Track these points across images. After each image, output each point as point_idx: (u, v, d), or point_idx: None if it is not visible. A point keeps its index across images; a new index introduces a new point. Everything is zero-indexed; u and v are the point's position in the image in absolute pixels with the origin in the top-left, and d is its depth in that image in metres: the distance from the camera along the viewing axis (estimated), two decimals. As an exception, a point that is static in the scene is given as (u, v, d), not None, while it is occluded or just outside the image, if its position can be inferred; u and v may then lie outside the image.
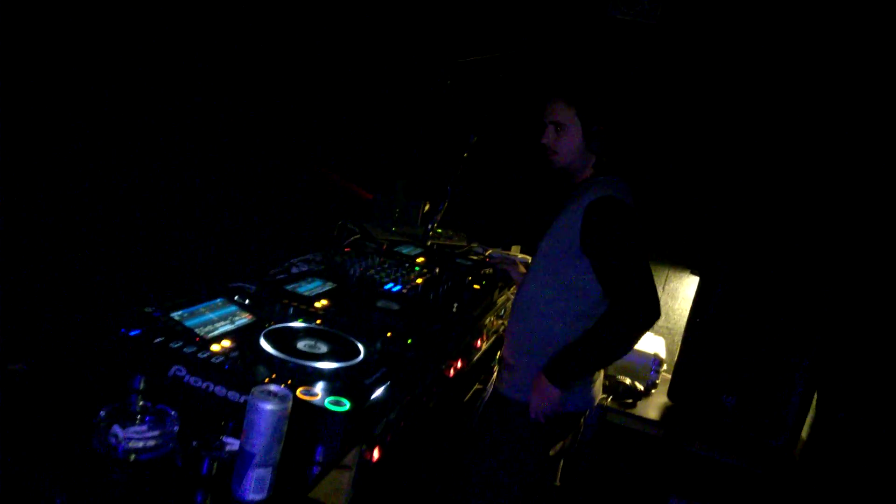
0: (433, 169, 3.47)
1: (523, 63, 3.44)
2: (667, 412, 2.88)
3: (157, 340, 1.40)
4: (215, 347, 1.43)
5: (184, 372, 1.36)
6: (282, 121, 2.46)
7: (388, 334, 1.74)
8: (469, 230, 3.50)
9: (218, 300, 1.67)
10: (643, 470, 2.84)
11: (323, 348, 1.53)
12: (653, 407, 2.90)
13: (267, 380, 1.33)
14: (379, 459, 1.51)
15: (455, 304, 2.12)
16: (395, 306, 1.98)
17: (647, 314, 1.71)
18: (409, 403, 1.65)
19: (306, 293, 1.93)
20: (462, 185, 3.31)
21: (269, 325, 1.59)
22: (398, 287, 2.21)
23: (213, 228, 2.09)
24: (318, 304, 1.85)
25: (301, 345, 1.51)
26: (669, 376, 2.97)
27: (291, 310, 1.75)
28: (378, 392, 1.43)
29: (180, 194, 1.92)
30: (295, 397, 1.28)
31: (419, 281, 2.35)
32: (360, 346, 1.57)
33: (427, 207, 3.49)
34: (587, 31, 3.38)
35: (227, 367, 1.35)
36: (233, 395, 1.33)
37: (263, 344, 1.45)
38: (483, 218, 3.65)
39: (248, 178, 2.29)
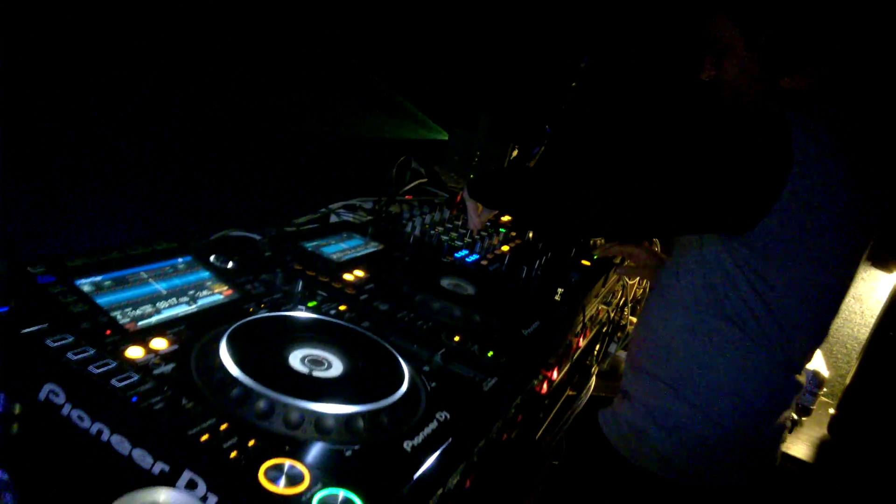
0: (528, 103, 2.70)
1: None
2: (822, 451, 2.10)
3: (28, 330, 0.76)
4: (135, 352, 0.77)
5: (61, 397, 0.71)
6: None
7: (456, 339, 1.04)
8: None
9: (179, 260, 1.01)
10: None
11: (335, 368, 0.84)
12: (803, 442, 2.13)
13: (207, 437, 0.65)
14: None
15: (560, 290, 1.40)
16: (470, 289, 1.28)
17: (569, 213, 1.10)
18: (482, 451, 0.96)
19: (334, 256, 1.25)
20: (565, 126, 2.53)
21: (253, 313, 0.92)
22: (474, 256, 1.50)
23: (204, 157, 1.43)
24: (347, 277, 1.17)
25: (296, 358, 0.83)
26: (830, 405, 2.19)
27: (300, 283, 1.07)
28: (428, 464, 0.74)
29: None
30: (253, 486, 0.60)
31: (504, 249, 1.63)
32: (405, 368, 0.87)
33: (515, 153, 2.73)
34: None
35: (134, 399, 0.69)
36: (141, 456, 0.67)
37: (223, 352, 0.77)
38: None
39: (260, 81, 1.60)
